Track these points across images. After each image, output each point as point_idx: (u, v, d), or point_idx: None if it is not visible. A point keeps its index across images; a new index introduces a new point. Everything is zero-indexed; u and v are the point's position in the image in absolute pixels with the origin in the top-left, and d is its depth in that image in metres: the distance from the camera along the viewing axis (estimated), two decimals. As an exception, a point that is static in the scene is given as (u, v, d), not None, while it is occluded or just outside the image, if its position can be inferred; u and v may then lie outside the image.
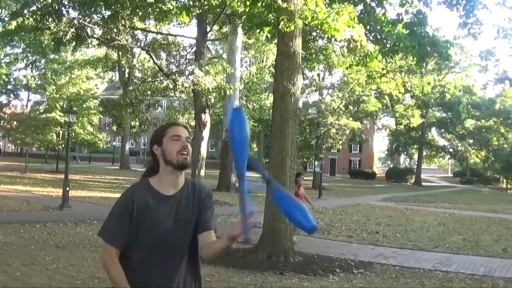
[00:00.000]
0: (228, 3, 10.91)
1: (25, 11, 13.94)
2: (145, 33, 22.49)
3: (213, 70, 16.95)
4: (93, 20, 15.13)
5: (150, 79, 21.30)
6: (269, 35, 10.70)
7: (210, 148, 52.89)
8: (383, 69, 21.19)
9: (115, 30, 15.72)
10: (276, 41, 9.44)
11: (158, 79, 19.99)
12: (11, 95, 42.78)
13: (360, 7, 9.39)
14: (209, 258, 2.09)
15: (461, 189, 44.79)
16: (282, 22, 7.78)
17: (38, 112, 32.48)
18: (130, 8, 13.57)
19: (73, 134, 27.85)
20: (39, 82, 38.82)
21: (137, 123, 33.22)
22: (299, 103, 9.85)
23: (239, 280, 6.42)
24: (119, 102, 24.18)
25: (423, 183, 49.57)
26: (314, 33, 11.70)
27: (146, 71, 25.84)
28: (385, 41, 9.85)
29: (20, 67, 40.79)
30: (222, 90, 17.22)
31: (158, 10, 13.78)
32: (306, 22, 8.21)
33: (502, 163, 50.28)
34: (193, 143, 15.12)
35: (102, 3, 13.21)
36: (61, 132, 30.94)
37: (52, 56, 32.82)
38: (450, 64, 41.83)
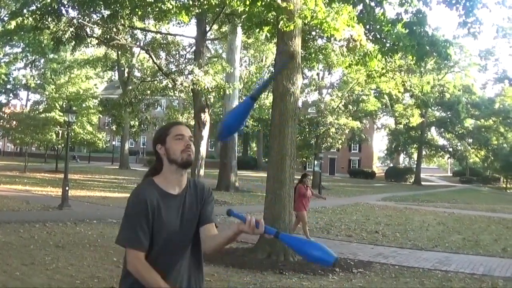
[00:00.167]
0: (227, 2, 10.88)
1: (25, 11, 13.95)
2: (144, 32, 22.45)
3: (212, 70, 16.92)
4: (92, 19, 15.12)
5: (149, 78, 21.26)
6: (268, 35, 10.72)
7: (210, 147, 52.90)
8: (382, 68, 21.23)
9: (114, 29, 15.71)
10: (275, 40, 9.44)
11: (158, 79, 19.96)
12: (11, 95, 42.87)
13: (360, 7, 9.40)
14: (211, 250, 2.08)
15: (460, 189, 44.79)
16: (281, 22, 7.77)
17: (37, 112, 32.38)
18: (129, 8, 13.57)
19: (73, 133, 27.80)
20: (38, 81, 38.82)
21: (137, 123, 33.17)
22: (299, 103, 9.85)
23: (239, 279, 6.42)
24: (118, 102, 24.17)
25: (422, 183, 49.58)
26: (313, 33, 11.68)
27: (145, 71, 25.78)
28: (384, 40, 9.86)
29: (19, 67, 40.94)
30: (221, 90, 17.23)
31: (157, 9, 13.76)
32: (306, 22, 8.20)
33: (502, 163, 50.26)
34: (192, 143, 15.07)
35: (101, 3, 13.20)
36: (60, 131, 30.88)
37: (51, 55, 32.82)
38: (449, 63, 41.83)
